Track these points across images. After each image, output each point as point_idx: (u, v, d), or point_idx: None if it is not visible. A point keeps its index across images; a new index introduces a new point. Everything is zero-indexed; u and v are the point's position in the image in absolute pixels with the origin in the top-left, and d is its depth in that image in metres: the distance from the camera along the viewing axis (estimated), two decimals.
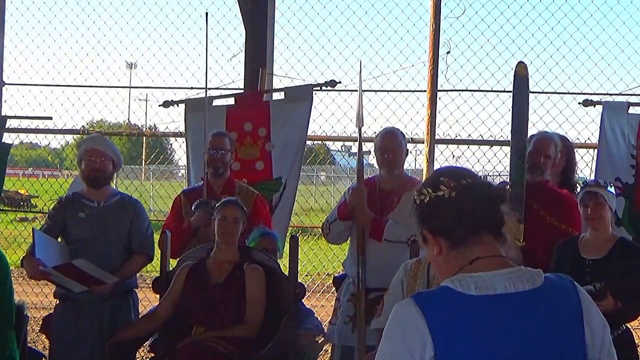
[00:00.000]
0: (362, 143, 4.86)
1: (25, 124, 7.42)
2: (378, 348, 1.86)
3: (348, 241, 4.83)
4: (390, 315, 1.85)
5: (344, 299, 4.70)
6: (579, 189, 4.36)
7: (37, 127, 7.49)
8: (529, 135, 4.50)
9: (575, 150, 5.33)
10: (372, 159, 6.21)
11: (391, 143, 4.65)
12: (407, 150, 4.81)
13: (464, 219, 1.87)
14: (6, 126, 6.85)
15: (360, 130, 4.73)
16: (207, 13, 5.21)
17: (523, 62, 4.33)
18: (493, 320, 1.78)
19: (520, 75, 4.27)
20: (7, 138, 7.24)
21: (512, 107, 4.30)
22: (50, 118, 7.28)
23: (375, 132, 5.23)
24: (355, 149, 5.46)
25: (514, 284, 1.82)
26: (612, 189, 4.20)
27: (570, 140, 5.37)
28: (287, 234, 5.91)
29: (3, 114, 7.22)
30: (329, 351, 5.00)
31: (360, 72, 4.79)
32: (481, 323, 1.77)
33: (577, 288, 1.89)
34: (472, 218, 1.87)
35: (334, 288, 5.03)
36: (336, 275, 5.21)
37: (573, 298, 1.86)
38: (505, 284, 1.81)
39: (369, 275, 4.49)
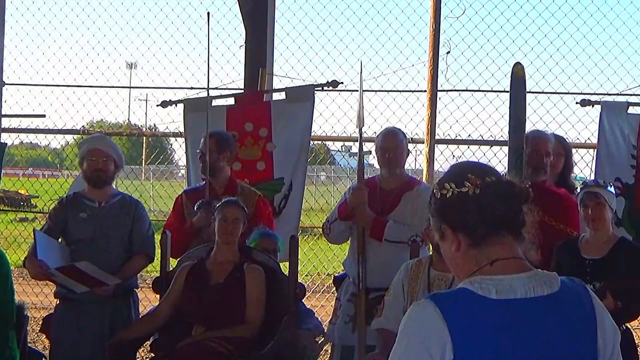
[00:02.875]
0: (362, 143, 4.85)
1: (25, 123, 7.42)
2: (392, 348, 1.82)
3: (349, 241, 4.83)
4: (406, 316, 1.82)
5: (344, 299, 4.70)
6: (578, 190, 4.36)
7: (37, 127, 7.49)
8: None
9: (574, 150, 5.33)
10: (372, 159, 6.21)
11: (392, 143, 4.66)
12: (408, 150, 4.81)
13: (487, 217, 1.84)
14: (1, 126, 6.83)
15: (360, 130, 4.73)
16: (208, 13, 5.20)
17: (520, 63, 4.33)
18: (513, 325, 1.76)
19: (518, 76, 4.27)
20: (7, 138, 7.25)
21: (510, 108, 4.30)
22: (44, 116, 7.26)
23: (375, 132, 5.23)
24: (355, 149, 5.47)
25: (533, 288, 1.80)
26: (612, 189, 4.20)
27: (568, 141, 5.37)
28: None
29: (4, 113, 7.21)
30: (329, 351, 5.00)
31: (361, 72, 4.80)
32: (502, 327, 1.75)
33: (589, 293, 1.88)
34: (495, 217, 1.84)
35: (334, 288, 5.03)
36: (336, 275, 5.21)
37: (587, 304, 1.85)
38: (525, 288, 1.79)
39: (370, 275, 4.49)
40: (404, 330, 1.80)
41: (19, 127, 7.48)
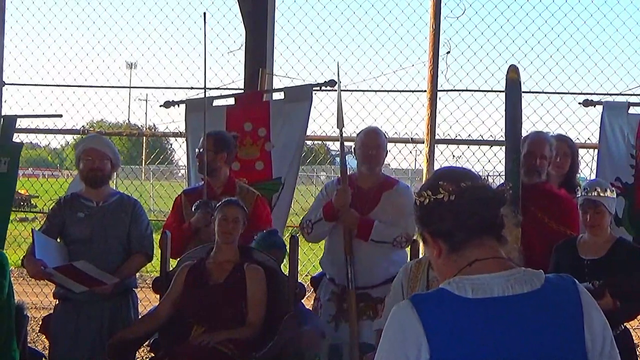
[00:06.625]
0: (343, 143, 4.89)
1: (25, 123, 7.40)
2: (377, 348, 1.86)
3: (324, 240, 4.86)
4: (389, 316, 1.84)
5: (324, 299, 4.72)
6: (579, 192, 4.36)
7: (38, 127, 7.49)
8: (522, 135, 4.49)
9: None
10: None
11: (375, 141, 4.70)
12: (387, 151, 4.83)
13: (463, 222, 1.86)
14: (15, 126, 6.83)
15: (341, 131, 4.79)
16: (204, 13, 5.20)
17: (514, 66, 4.32)
18: (490, 324, 1.76)
19: (512, 79, 4.26)
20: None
21: (505, 111, 4.29)
22: (60, 116, 7.23)
23: None
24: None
25: (511, 287, 1.80)
26: (614, 194, 4.20)
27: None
28: (287, 234, 5.91)
29: (4, 113, 7.21)
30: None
31: (338, 73, 4.96)
32: (477, 326, 1.76)
33: (578, 289, 1.87)
34: (472, 221, 1.86)
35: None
36: (313, 275, 5.21)
37: (573, 300, 1.84)
38: (503, 287, 1.80)
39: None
40: (385, 330, 1.83)
41: (19, 127, 7.47)
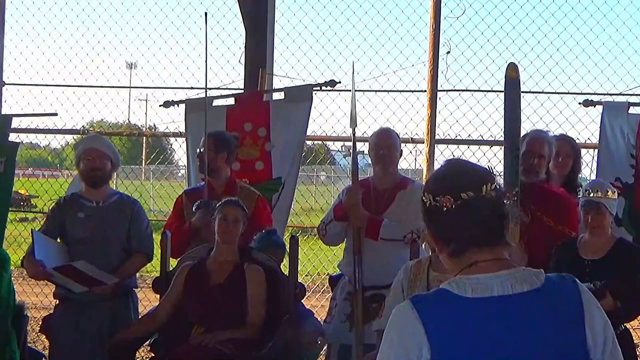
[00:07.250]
0: (356, 143, 4.88)
1: (25, 123, 7.40)
2: (379, 349, 1.86)
3: (344, 242, 4.85)
4: (390, 316, 1.85)
5: (340, 298, 4.72)
6: (580, 193, 4.36)
7: (37, 127, 7.49)
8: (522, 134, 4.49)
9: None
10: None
11: (387, 141, 4.71)
12: (401, 151, 4.83)
13: (462, 233, 1.85)
14: (12, 125, 6.83)
15: (354, 130, 4.78)
16: (206, 13, 5.20)
17: (513, 64, 4.32)
18: (490, 323, 1.76)
19: (512, 77, 4.25)
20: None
21: (505, 110, 4.29)
22: (56, 114, 7.24)
23: None
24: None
25: (512, 286, 1.80)
26: (615, 195, 4.20)
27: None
28: (287, 234, 5.92)
29: (3, 112, 7.21)
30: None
31: (353, 73, 4.87)
32: (478, 325, 1.76)
33: (579, 288, 1.86)
34: (471, 233, 1.85)
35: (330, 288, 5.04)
36: (332, 274, 5.22)
37: (574, 299, 1.84)
38: (502, 286, 1.80)
39: (365, 273, 4.52)
40: (387, 331, 1.84)
41: (19, 127, 7.47)
